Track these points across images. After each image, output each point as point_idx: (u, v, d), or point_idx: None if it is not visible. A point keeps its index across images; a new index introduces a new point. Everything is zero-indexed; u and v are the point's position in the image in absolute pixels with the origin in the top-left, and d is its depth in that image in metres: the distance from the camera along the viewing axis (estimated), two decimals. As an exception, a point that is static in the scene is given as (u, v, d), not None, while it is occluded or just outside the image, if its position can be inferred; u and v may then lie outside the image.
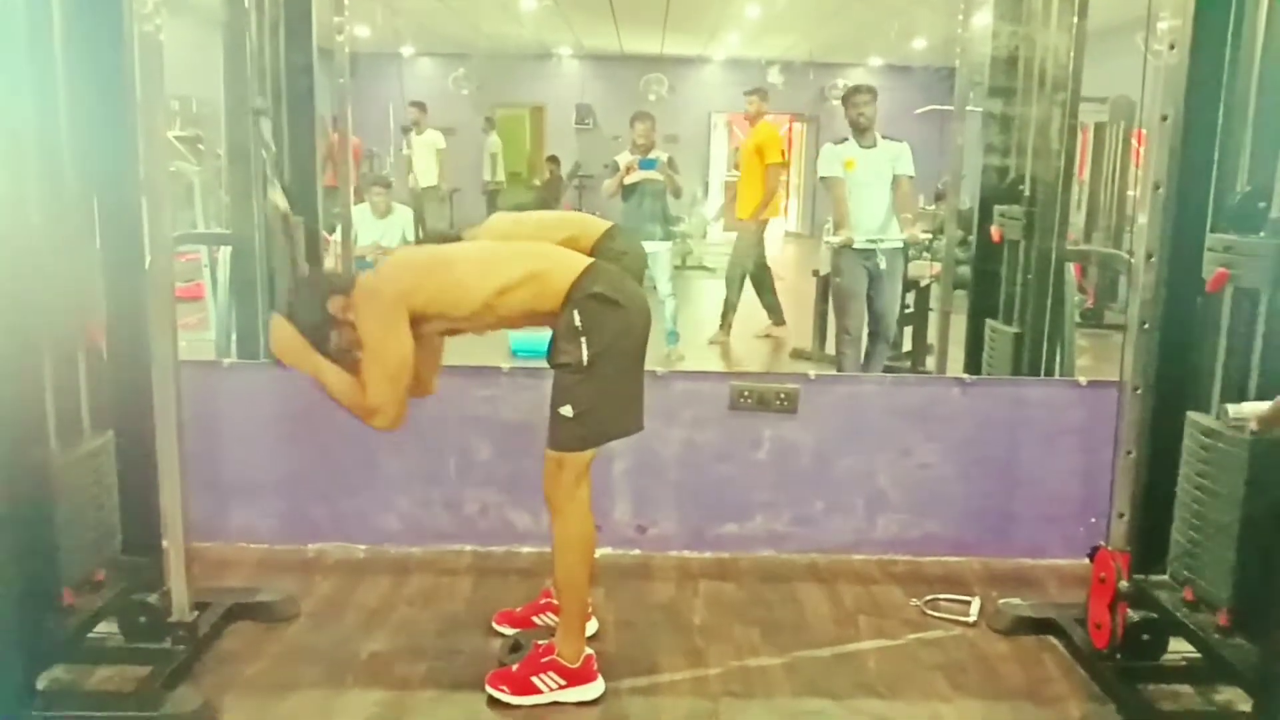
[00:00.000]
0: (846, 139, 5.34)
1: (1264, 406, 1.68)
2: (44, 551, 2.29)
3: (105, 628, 2.53)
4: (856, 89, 5.37)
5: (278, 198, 2.32)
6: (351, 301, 2.35)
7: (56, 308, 2.35)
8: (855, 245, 5.15)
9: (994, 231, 3.86)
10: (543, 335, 2.44)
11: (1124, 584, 2.49)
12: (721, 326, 6.95)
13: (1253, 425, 1.74)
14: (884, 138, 5.31)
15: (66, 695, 2.40)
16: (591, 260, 2.42)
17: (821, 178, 5.45)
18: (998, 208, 3.85)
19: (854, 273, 5.21)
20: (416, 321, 2.33)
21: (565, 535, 2.41)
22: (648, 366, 2.45)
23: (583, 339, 2.29)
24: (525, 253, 2.45)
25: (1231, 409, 1.86)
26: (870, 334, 5.33)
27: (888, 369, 5.59)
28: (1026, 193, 3.75)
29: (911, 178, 5.34)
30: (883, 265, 5.24)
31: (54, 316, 2.34)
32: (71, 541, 2.38)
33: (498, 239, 2.82)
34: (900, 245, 5.33)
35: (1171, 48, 2.42)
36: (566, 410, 2.32)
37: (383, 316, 2.31)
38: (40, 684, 2.30)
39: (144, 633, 2.53)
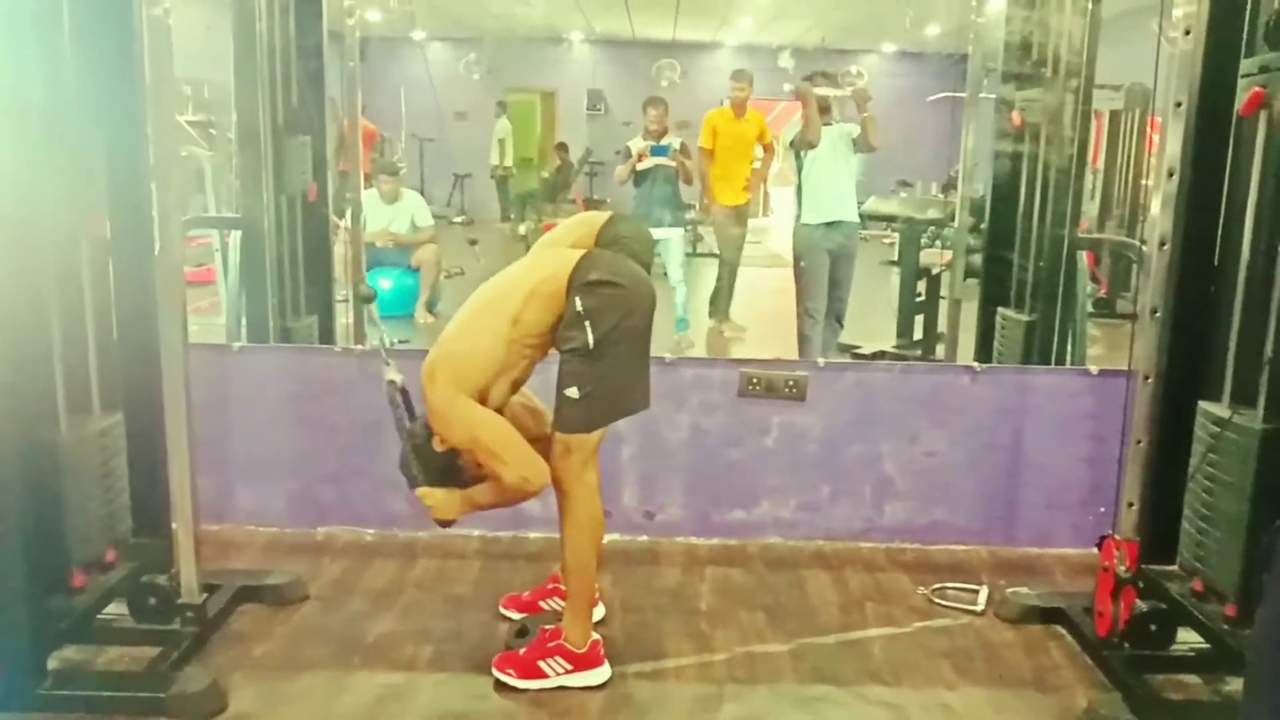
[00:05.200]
0: None
1: None
2: (53, 532, 2.31)
3: (115, 609, 2.55)
4: (822, 74, 5.50)
5: (393, 374, 2.50)
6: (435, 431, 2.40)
7: (69, 298, 2.36)
8: (824, 221, 5.22)
9: (1015, 116, 3.82)
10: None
11: (1124, 571, 2.48)
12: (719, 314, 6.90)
13: None
14: (838, 119, 5.42)
15: (76, 675, 2.41)
16: (585, 250, 2.41)
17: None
18: (1018, 94, 3.83)
19: (817, 253, 5.22)
20: (483, 397, 2.35)
21: (573, 519, 2.41)
22: (657, 352, 2.44)
23: (587, 323, 2.29)
24: (515, 278, 2.43)
25: None
26: (829, 313, 5.35)
27: (896, 356, 5.56)
28: (1041, 76, 3.73)
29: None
30: (844, 244, 5.31)
31: (65, 305, 2.35)
32: (81, 523, 2.39)
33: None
34: (858, 223, 5.43)
35: (1186, 33, 2.39)
36: (572, 392, 2.32)
37: (452, 416, 2.34)
38: (51, 664, 2.32)
39: (153, 614, 2.54)
